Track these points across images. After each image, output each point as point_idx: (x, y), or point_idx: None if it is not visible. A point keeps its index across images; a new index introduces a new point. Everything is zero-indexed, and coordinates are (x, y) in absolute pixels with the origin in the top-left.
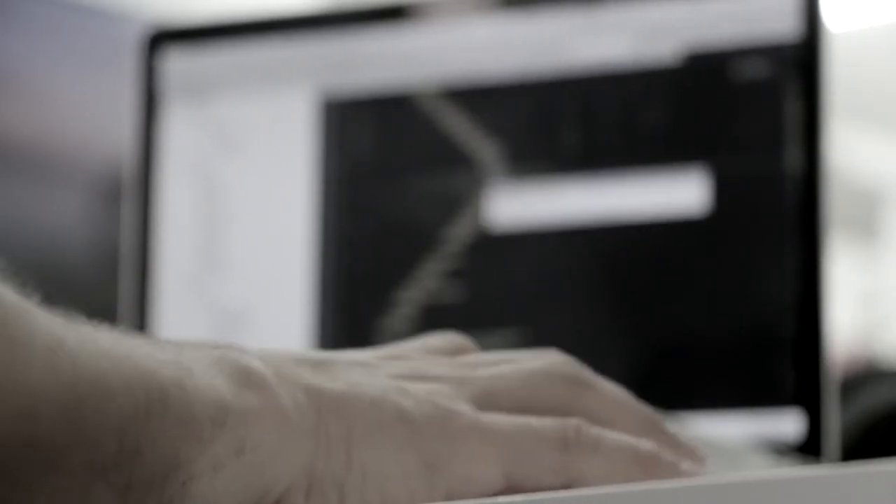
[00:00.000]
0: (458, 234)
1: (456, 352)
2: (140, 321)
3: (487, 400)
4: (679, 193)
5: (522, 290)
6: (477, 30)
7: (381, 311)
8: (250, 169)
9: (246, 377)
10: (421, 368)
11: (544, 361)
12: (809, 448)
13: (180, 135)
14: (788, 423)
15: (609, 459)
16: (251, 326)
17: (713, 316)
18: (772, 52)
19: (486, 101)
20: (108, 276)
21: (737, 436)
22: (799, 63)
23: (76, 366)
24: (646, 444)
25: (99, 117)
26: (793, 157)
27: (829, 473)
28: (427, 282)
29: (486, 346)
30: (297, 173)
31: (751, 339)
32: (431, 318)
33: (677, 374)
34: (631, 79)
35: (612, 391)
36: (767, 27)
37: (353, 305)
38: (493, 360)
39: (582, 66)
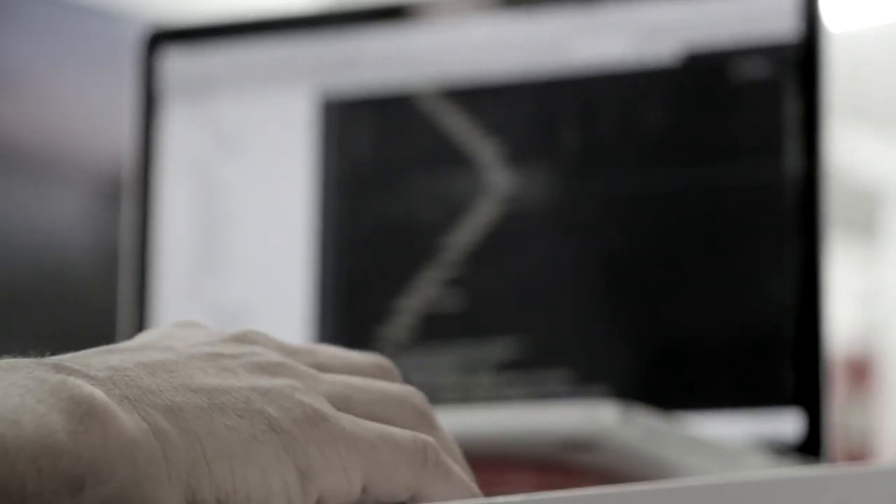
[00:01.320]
0: (457, 234)
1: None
2: (140, 321)
3: (342, 404)
4: (679, 193)
5: (521, 298)
6: (477, 30)
7: (381, 310)
8: (250, 169)
9: (86, 410)
10: (268, 358)
11: (399, 387)
12: (809, 448)
13: (180, 135)
14: (788, 423)
15: (452, 492)
16: (251, 326)
17: (713, 316)
18: (772, 52)
19: (486, 101)
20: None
21: (737, 436)
22: (799, 63)
23: None
24: (478, 494)
25: (99, 117)
26: (793, 157)
27: (829, 473)
28: (426, 286)
29: (485, 355)
30: (297, 173)
31: (751, 339)
32: (430, 325)
33: (677, 374)
34: (631, 79)
35: (449, 437)
36: (767, 27)
37: (353, 305)
38: (339, 359)
39: (582, 66)
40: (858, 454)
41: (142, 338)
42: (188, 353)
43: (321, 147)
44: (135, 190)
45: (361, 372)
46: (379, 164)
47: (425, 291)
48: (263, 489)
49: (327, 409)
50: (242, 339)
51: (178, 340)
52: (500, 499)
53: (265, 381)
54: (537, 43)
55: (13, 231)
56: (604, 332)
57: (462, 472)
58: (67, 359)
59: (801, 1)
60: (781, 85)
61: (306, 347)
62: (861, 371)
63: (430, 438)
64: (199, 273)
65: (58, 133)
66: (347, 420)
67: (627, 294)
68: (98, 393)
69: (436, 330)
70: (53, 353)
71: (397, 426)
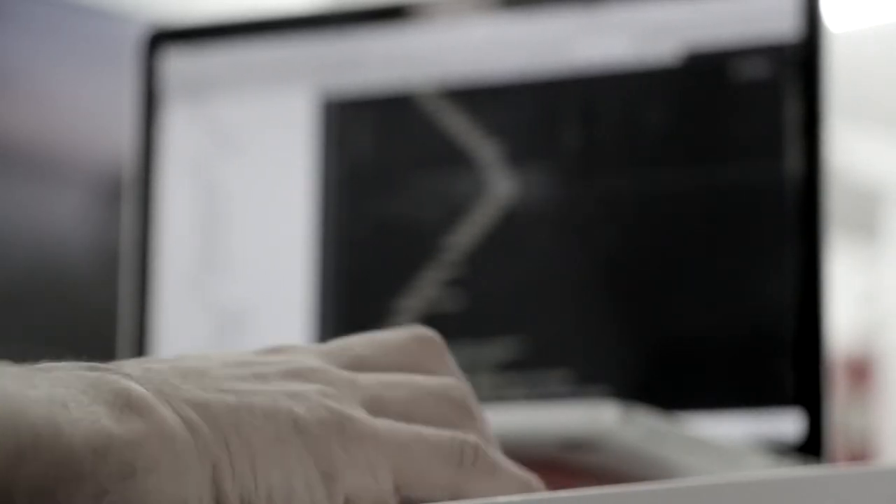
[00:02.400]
0: (457, 234)
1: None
2: (140, 321)
3: (376, 406)
4: (679, 193)
5: (522, 298)
6: (477, 30)
7: (381, 310)
8: (250, 169)
9: (126, 401)
10: (307, 365)
11: (437, 382)
12: (809, 448)
13: (180, 135)
14: (788, 423)
15: (502, 488)
16: (251, 327)
17: (713, 316)
18: (772, 52)
19: (486, 101)
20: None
21: (737, 436)
22: (799, 63)
23: None
24: (536, 482)
25: (99, 117)
26: (793, 157)
27: (829, 473)
28: (427, 280)
29: (486, 355)
30: (297, 173)
31: (751, 339)
32: (430, 326)
33: (677, 375)
34: (631, 79)
35: (490, 429)
36: (767, 27)
37: (353, 305)
38: (374, 347)
39: (582, 66)
40: (858, 454)
41: (183, 355)
42: (222, 361)
43: (321, 147)
44: (135, 190)
45: (402, 353)
46: (379, 164)
47: (426, 291)
48: (285, 488)
49: (357, 412)
50: (279, 350)
51: (218, 353)
52: (501, 499)
53: (296, 386)
54: (538, 43)
55: (13, 231)
56: (604, 333)
57: (510, 464)
58: (102, 363)
59: (801, 1)
60: (781, 85)
61: (340, 343)
62: (861, 371)
63: (469, 437)
64: (199, 273)
65: (58, 133)
66: (378, 422)
67: (628, 294)
68: (135, 386)
69: (436, 330)
70: (53, 354)
71: (436, 423)
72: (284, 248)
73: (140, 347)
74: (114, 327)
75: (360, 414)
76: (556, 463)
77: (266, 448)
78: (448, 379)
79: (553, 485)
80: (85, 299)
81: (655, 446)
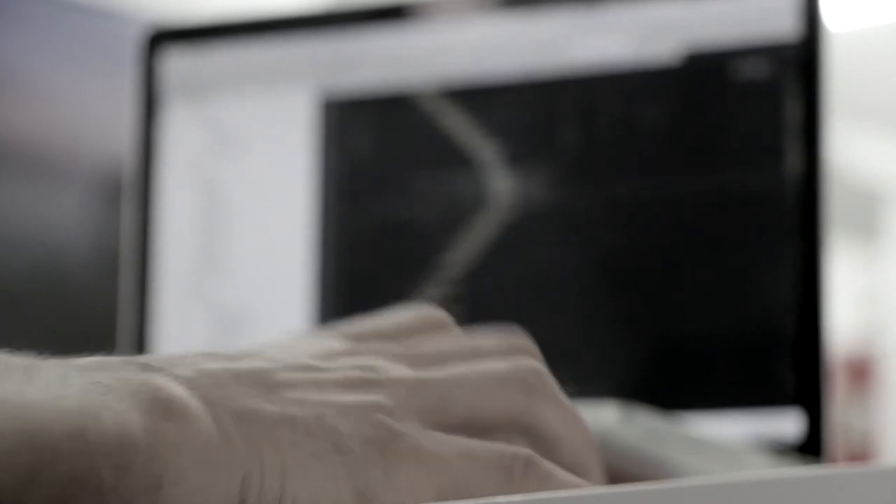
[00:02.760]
0: (457, 234)
1: (428, 330)
2: (140, 321)
3: (440, 409)
4: (679, 193)
5: (521, 299)
6: (477, 30)
7: (381, 309)
8: (250, 169)
9: (165, 408)
10: (373, 368)
11: (510, 365)
12: (809, 448)
13: (180, 135)
14: (788, 423)
15: None
16: (251, 327)
17: (713, 316)
18: (772, 52)
19: (486, 101)
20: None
21: (737, 436)
22: (799, 63)
23: None
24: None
25: (99, 117)
26: (793, 157)
27: (829, 473)
28: (426, 283)
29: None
30: (297, 173)
31: (751, 339)
32: None
33: (677, 374)
34: (631, 79)
35: (569, 407)
36: (767, 27)
37: (353, 306)
38: (456, 352)
39: (582, 66)
40: (858, 454)
41: (263, 345)
42: (284, 364)
43: (321, 147)
44: (135, 190)
45: (483, 353)
46: (379, 164)
47: (426, 291)
48: None
49: (406, 427)
50: (352, 352)
51: (289, 351)
52: (501, 499)
53: (350, 398)
54: (537, 43)
55: (13, 231)
56: (604, 333)
57: (564, 474)
58: (158, 358)
59: (801, 1)
60: (781, 85)
61: (433, 349)
62: (861, 371)
63: (520, 450)
64: (199, 273)
65: (58, 133)
66: (427, 438)
67: (627, 294)
68: (177, 394)
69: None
70: (53, 354)
71: (506, 411)
72: (284, 248)
73: (140, 347)
74: (114, 327)
75: (409, 429)
76: None
77: (299, 464)
78: (523, 361)
79: None
80: (85, 299)
81: (655, 446)
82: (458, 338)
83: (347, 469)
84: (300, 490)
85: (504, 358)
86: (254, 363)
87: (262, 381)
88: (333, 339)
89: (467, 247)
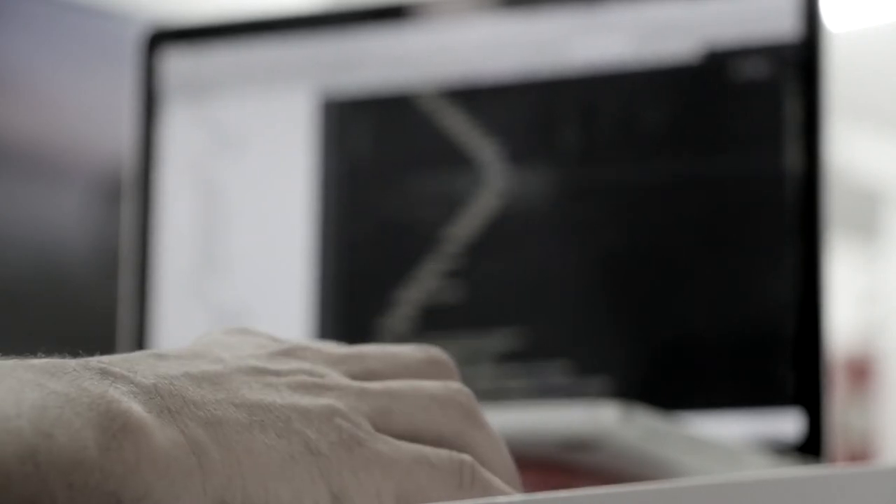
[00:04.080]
0: (457, 234)
1: (430, 370)
2: (140, 321)
3: (383, 418)
4: (679, 193)
5: (522, 290)
6: (477, 30)
7: (380, 311)
8: (250, 169)
9: (122, 424)
10: (317, 373)
11: (443, 387)
12: (809, 448)
13: (180, 135)
14: (788, 423)
15: None
16: (252, 326)
17: (713, 316)
18: (772, 52)
19: (486, 101)
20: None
21: (737, 436)
22: (799, 63)
23: None
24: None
25: (99, 117)
26: (793, 157)
27: (829, 473)
28: (427, 282)
29: (486, 346)
30: (297, 173)
31: (751, 339)
32: (431, 318)
33: (677, 374)
34: (630, 79)
35: (495, 434)
36: (767, 27)
37: (353, 306)
38: (387, 360)
39: (582, 66)
40: (858, 454)
41: (195, 344)
42: (235, 366)
43: (321, 147)
44: (135, 190)
45: (412, 372)
46: (379, 163)
47: (425, 283)
48: None
49: (365, 432)
50: (291, 353)
51: (229, 350)
52: (501, 499)
53: (307, 401)
54: (537, 43)
55: (13, 231)
56: (604, 333)
57: (502, 484)
58: (116, 361)
59: (801, 1)
60: (781, 85)
61: (355, 353)
62: (861, 371)
63: (465, 457)
64: (199, 273)
65: (58, 133)
66: (383, 443)
67: (628, 294)
68: (135, 408)
69: (435, 321)
70: (53, 354)
71: (442, 431)
72: (284, 247)
73: (140, 347)
74: (114, 327)
75: (367, 434)
76: (557, 463)
77: (278, 468)
78: (453, 384)
79: (553, 485)
80: (85, 299)
81: (655, 446)
82: (381, 349)
83: (321, 469)
84: (283, 492)
85: (430, 373)
86: (207, 365)
87: (220, 384)
88: (260, 335)
89: (467, 246)
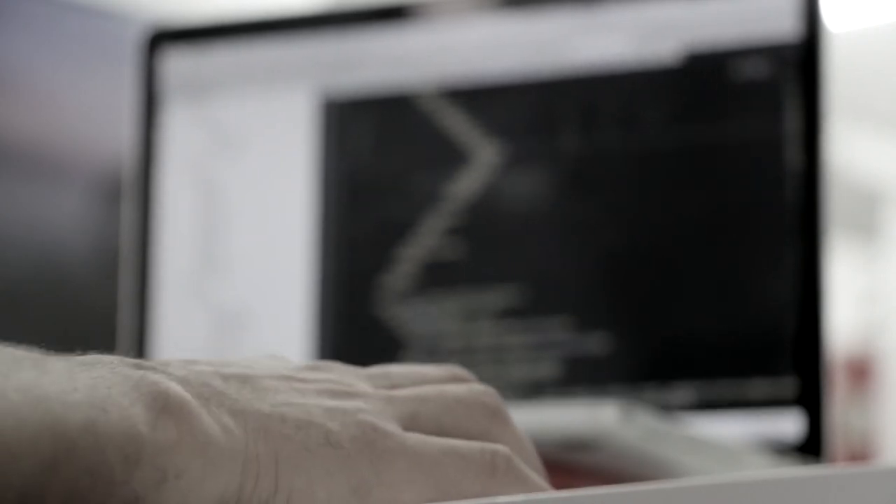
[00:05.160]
0: (458, 237)
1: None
2: (140, 321)
3: (411, 422)
4: (679, 193)
5: (522, 245)
6: (477, 30)
7: (379, 310)
8: (250, 169)
9: (164, 404)
10: (345, 382)
11: (468, 389)
12: (809, 448)
13: (180, 135)
14: (788, 423)
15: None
16: (251, 327)
17: (714, 316)
18: (772, 52)
19: (486, 101)
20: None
21: (737, 436)
22: (799, 63)
23: None
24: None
25: (99, 117)
26: (793, 157)
27: (829, 473)
28: (426, 239)
29: (486, 303)
30: (297, 173)
31: (751, 339)
32: (431, 275)
33: (678, 374)
34: (631, 79)
35: (522, 433)
36: (767, 27)
37: (353, 306)
38: (412, 377)
39: (582, 66)
40: (858, 454)
41: (232, 361)
42: (265, 373)
43: (321, 147)
44: (135, 190)
45: (432, 380)
46: (379, 164)
47: (427, 240)
48: (307, 496)
49: (390, 427)
50: (318, 367)
51: (261, 364)
52: (502, 499)
53: (332, 402)
54: (537, 43)
55: (13, 231)
56: (605, 333)
57: (537, 476)
58: (146, 361)
59: (801, 1)
60: (781, 85)
61: (380, 370)
62: (861, 371)
63: (499, 447)
64: (199, 273)
65: (58, 133)
66: (411, 437)
67: (628, 295)
68: (175, 388)
69: (437, 278)
70: (53, 354)
71: (469, 431)
72: (284, 247)
73: (140, 347)
74: (114, 327)
75: (393, 429)
76: (556, 463)
77: (292, 457)
78: (478, 386)
79: (553, 485)
80: (85, 299)
81: (655, 446)
82: (405, 367)
83: (339, 463)
84: (295, 481)
85: (455, 383)
86: (236, 369)
87: (249, 383)
88: (291, 360)
89: (467, 246)
